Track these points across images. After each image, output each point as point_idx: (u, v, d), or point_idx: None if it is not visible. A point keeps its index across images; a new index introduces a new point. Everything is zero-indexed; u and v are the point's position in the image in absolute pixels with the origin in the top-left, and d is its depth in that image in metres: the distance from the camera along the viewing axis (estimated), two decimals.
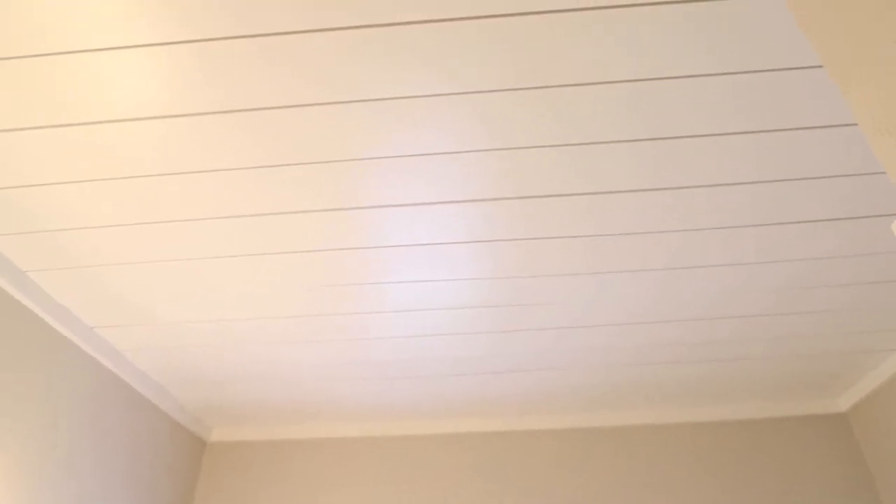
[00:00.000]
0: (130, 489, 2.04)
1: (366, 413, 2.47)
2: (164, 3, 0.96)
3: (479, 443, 2.52)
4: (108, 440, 1.94)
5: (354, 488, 2.44)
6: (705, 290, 1.69)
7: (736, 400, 2.46)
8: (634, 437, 2.47)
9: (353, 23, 1.00)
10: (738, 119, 1.18)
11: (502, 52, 1.05)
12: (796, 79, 1.10)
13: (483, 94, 1.12)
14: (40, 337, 1.68)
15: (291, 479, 2.48)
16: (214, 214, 1.39)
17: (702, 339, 1.95)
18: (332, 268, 1.57)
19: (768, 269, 1.60)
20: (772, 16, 0.99)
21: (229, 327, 1.83)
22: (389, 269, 1.58)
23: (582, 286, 1.66)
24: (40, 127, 1.17)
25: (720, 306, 1.77)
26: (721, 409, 2.49)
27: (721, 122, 1.18)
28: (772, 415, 2.48)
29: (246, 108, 1.14)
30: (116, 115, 1.15)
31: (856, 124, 1.17)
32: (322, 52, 1.04)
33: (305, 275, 1.60)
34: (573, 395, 2.33)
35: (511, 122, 1.18)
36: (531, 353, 2.02)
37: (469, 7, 0.98)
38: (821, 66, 1.07)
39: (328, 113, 1.15)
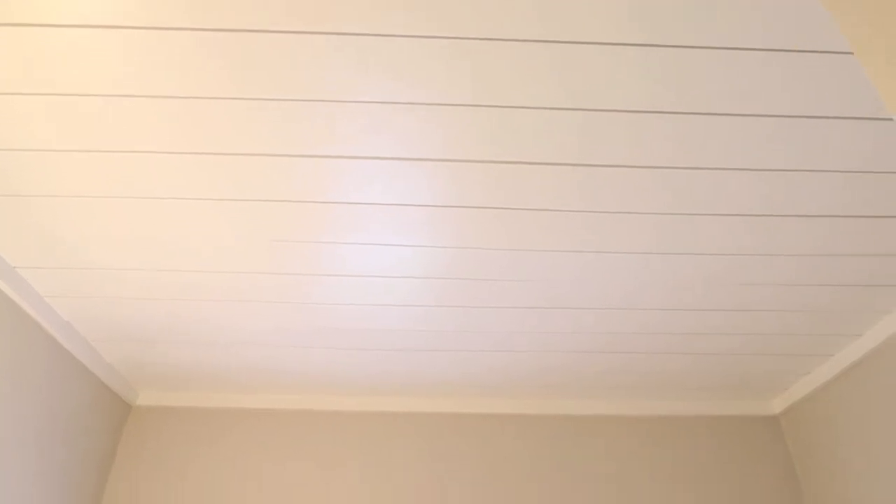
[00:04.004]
0: (44, 447, 1.88)
1: (312, 385, 2.37)
2: None
3: (429, 423, 2.47)
4: (23, 393, 1.78)
5: (291, 464, 2.34)
6: (691, 277, 1.68)
7: (674, 397, 2.50)
8: (576, 427, 2.47)
9: None
10: (757, 101, 1.15)
11: None
12: (812, 63, 1.08)
13: (472, 40, 1.06)
14: None
15: (221, 450, 2.36)
16: (164, 149, 1.27)
17: (666, 330, 1.95)
18: (290, 221, 1.48)
19: (729, 261, 1.61)
20: None
21: (168, 279, 1.71)
22: (354, 227, 1.49)
23: (562, 264, 1.62)
24: None
25: (704, 295, 1.76)
26: (659, 405, 2.53)
27: (736, 103, 1.16)
28: (708, 412, 2.53)
29: (217, 27, 1.04)
30: (61, 18, 1.03)
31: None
32: None
33: (259, 226, 1.50)
34: (529, 379, 2.31)
35: (502, 75, 1.12)
36: (501, 333, 1.98)
37: None
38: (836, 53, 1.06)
39: (306, 43, 1.06)
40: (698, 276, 1.67)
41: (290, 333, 1.99)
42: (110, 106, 1.18)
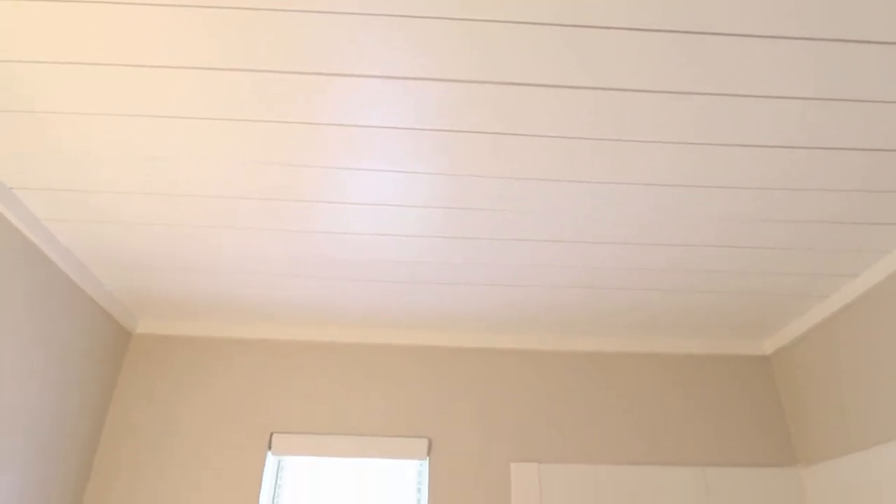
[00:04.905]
0: (45, 374, 1.90)
1: (313, 316, 2.39)
2: None
3: (434, 357, 2.51)
4: (22, 319, 1.78)
5: (290, 395, 2.39)
6: (705, 212, 1.67)
7: (674, 335, 2.53)
8: (579, 362, 2.52)
9: None
10: (774, 22, 1.11)
11: None
12: None
13: None
14: None
15: (220, 379, 2.40)
16: (165, 63, 1.23)
17: (674, 267, 1.96)
18: (292, 143, 1.45)
19: (725, 194, 1.60)
20: None
21: (168, 204, 1.69)
22: (354, 152, 1.47)
23: (569, 195, 1.61)
24: None
25: (715, 232, 1.76)
26: (659, 342, 2.57)
27: (755, 23, 1.12)
28: (702, 351, 2.58)
29: None
30: None
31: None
32: None
33: (259, 148, 1.46)
34: (539, 315, 2.33)
35: None
36: (508, 267, 1.99)
37: None
38: None
39: None
40: (712, 211, 1.66)
41: (292, 262, 1.98)
42: (112, 14, 1.13)
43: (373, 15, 1.13)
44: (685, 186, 1.57)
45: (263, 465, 2.24)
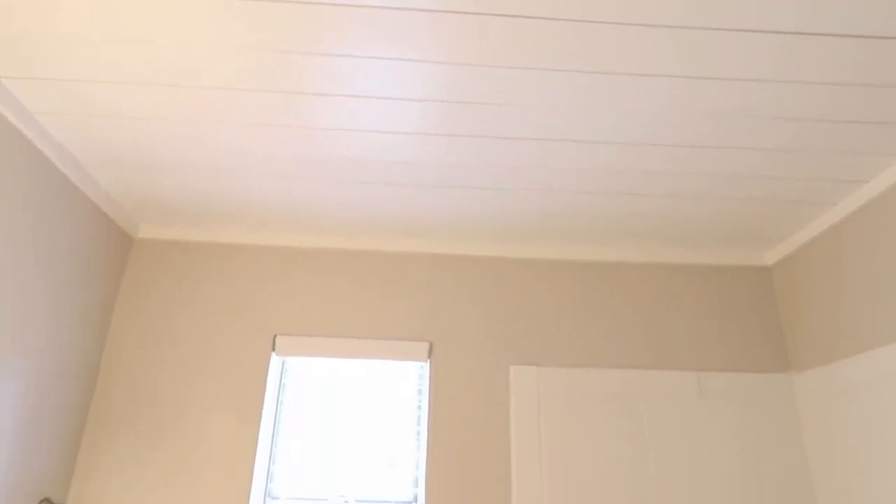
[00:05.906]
0: (46, 278, 1.91)
1: (316, 222, 2.37)
2: None
3: (433, 262, 2.52)
4: (21, 220, 1.77)
5: (290, 301, 2.41)
6: (708, 107, 1.61)
7: (671, 244, 2.53)
8: (582, 272, 2.53)
9: None
10: None
11: None
12: None
13: None
14: None
15: (223, 283, 2.41)
16: None
17: (680, 170, 1.92)
18: (286, 24, 1.38)
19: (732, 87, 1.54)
20: None
21: (164, 95, 1.63)
22: (349, 35, 1.40)
23: (561, 86, 1.53)
24: None
25: (718, 131, 1.69)
26: (656, 252, 2.57)
27: None
28: (704, 262, 2.58)
29: None
30: None
31: None
32: None
33: (252, 29, 1.40)
34: (537, 223, 2.30)
35: None
36: (506, 168, 1.95)
37: None
38: None
39: None
40: (709, 105, 1.60)
41: (292, 161, 1.95)
42: None
43: None
44: (678, 77, 1.50)
45: (268, 365, 2.29)
